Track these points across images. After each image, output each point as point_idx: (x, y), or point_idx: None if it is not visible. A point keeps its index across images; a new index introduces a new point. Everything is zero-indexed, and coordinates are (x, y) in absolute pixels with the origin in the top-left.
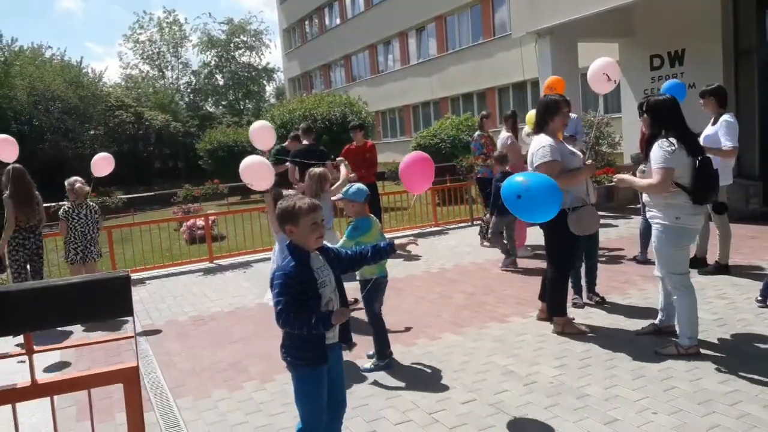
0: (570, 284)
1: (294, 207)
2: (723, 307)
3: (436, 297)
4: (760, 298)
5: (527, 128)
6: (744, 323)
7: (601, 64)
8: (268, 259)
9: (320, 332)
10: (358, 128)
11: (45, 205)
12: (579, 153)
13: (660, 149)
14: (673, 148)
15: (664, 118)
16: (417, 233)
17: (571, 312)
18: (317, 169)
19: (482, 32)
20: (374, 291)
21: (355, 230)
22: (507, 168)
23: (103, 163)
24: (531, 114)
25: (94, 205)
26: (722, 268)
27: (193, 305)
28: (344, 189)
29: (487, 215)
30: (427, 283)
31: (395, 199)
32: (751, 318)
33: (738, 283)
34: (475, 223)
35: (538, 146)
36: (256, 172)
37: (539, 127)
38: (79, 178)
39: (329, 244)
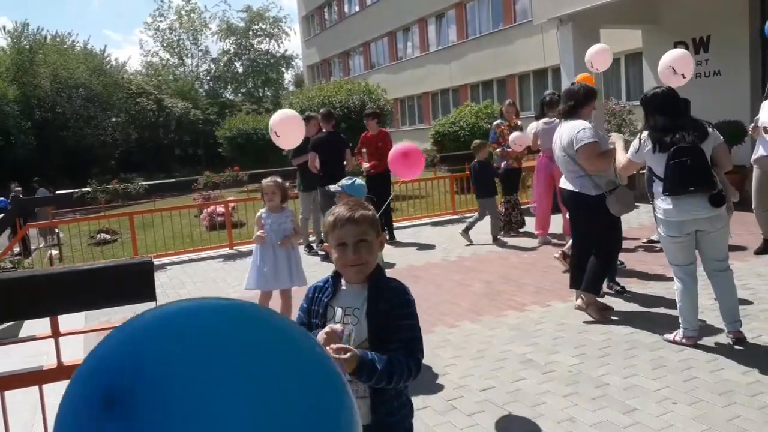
0: None
1: (326, 220)
2: (746, 298)
3: (454, 285)
4: None
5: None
6: (767, 314)
7: (669, 57)
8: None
9: None
10: (371, 116)
11: (67, 191)
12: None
13: (634, 141)
14: (639, 145)
15: (651, 110)
16: (435, 221)
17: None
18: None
19: (503, 19)
20: None
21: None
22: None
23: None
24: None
25: None
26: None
27: (212, 291)
28: (342, 181)
29: (500, 207)
30: (445, 271)
31: (413, 186)
32: None
33: (762, 273)
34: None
35: (578, 128)
36: (288, 126)
37: (571, 113)
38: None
39: (395, 282)
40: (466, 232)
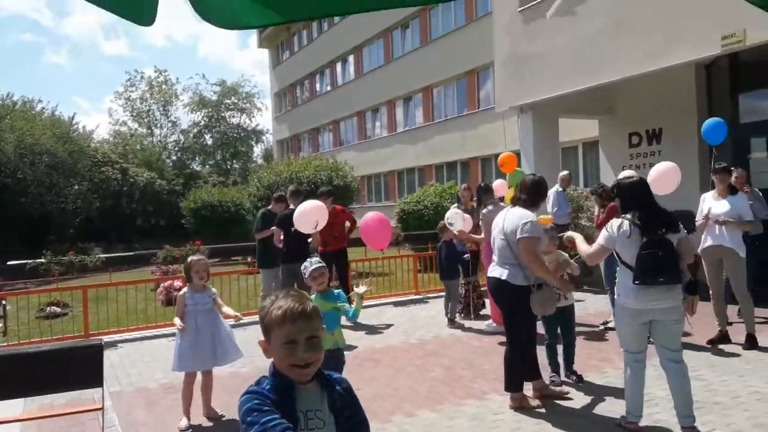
0: (548, 362)
1: (266, 312)
2: (699, 389)
3: (414, 370)
4: None
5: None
6: (720, 406)
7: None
8: (246, 324)
9: None
10: (325, 194)
11: (22, 261)
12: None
13: (607, 227)
14: (615, 231)
15: (626, 199)
16: (397, 301)
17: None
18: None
19: (467, 104)
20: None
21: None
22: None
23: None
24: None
25: None
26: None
27: (164, 371)
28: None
29: (460, 289)
30: (406, 355)
31: (376, 264)
32: (726, 401)
33: (715, 364)
34: None
35: (525, 219)
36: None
37: (527, 203)
38: None
39: (336, 375)
40: (453, 322)
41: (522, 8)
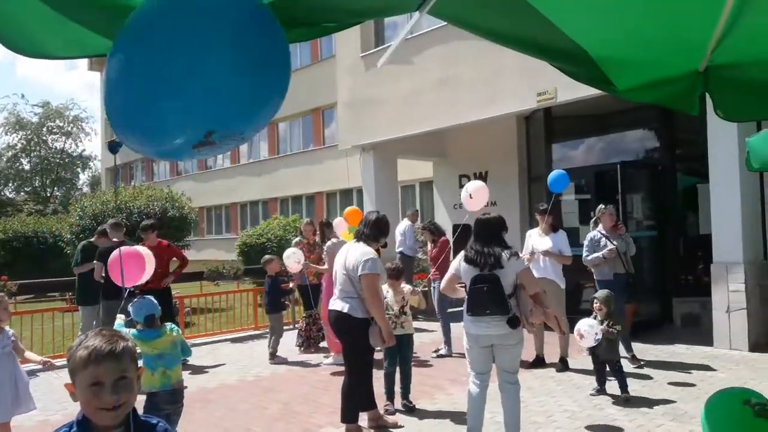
0: (384, 390)
1: (71, 355)
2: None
3: (250, 408)
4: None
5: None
6: (536, 425)
7: (470, 186)
8: (60, 367)
9: None
10: (149, 228)
11: None
12: None
13: (455, 260)
14: (457, 263)
15: (474, 233)
16: (235, 337)
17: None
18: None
19: (313, 140)
20: (153, 409)
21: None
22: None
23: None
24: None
25: None
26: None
27: None
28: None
29: (301, 322)
30: (241, 393)
31: (213, 300)
32: (541, 420)
33: (532, 386)
34: (296, 326)
35: (367, 256)
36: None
37: (369, 238)
38: None
39: (155, 420)
40: (273, 357)
41: (363, 54)
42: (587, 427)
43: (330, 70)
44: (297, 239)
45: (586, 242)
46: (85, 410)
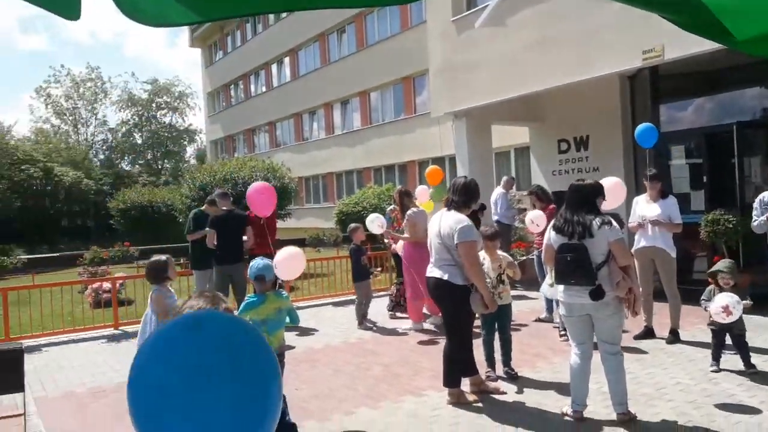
0: (484, 358)
1: (176, 313)
2: (627, 382)
3: (353, 369)
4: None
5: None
6: (646, 397)
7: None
8: None
9: None
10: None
11: None
12: None
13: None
14: (548, 232)
15: (566, 200)
16: (336, 301)
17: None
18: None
19: (404, 109)
20: None
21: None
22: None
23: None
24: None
25: None
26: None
27: (93, 375)
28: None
29: (392, 288)
30: (345, 354)
31: (315, 265)
32: (652, 392)
33: (642, 358)
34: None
35: (461, 224)
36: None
37: (459, 204)
38: None
39: None
40: (362, 323)
41: (455, 18)
42: (702, 402)
43: (420, 36)
44: (391, 207)
45: (756, 204)
46: None
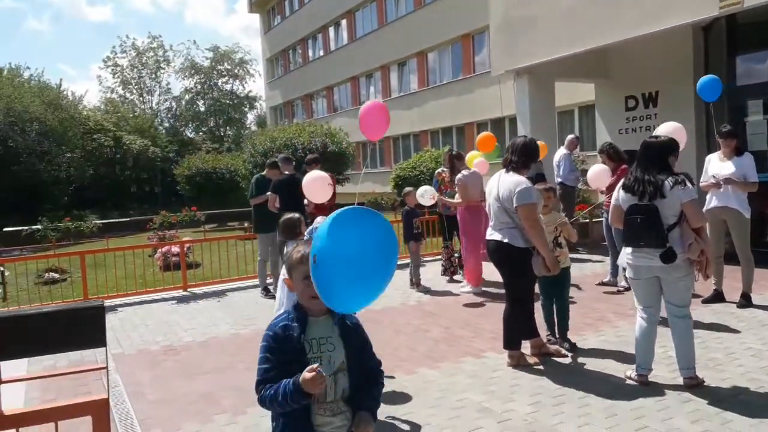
0: (544, 321)
1: (289, 256)
2: (695, 347)
3: (413, 330)
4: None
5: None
6: (714, 362)
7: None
8: (244, 288)
9: (297, 406)
10: (313, 162)
11: (17, 228)
12: None
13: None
14: (617, 193)
15: (637, 157)
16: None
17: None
18: (288, 216)
19: (462, 69)
20: None
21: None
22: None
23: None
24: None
25: None
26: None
27: (165, 334)
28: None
29: (443, 253)
30: (405, 316)
31: None
32: (721, 357)
33: (710, 322)
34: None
35: (520, 186)
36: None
37: (518, 164)
38: None
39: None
40: (417, 285)
41: None
42: None
43: None
44: (439, 170)
45: None
46: (300, 299)
